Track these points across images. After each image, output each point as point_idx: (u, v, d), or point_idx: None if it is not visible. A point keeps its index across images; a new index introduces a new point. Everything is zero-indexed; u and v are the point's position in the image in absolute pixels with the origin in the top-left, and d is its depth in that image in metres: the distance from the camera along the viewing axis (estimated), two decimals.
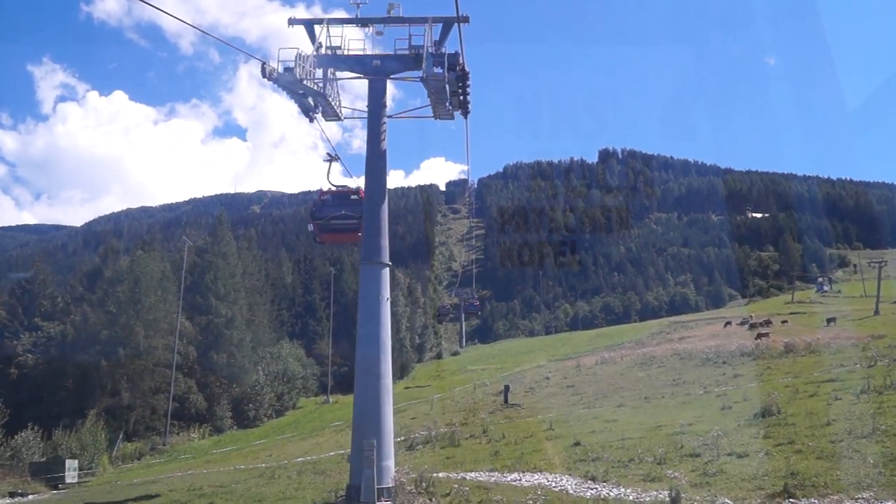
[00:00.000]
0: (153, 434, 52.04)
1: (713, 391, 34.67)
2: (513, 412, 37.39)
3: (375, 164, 18.45)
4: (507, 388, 40.63)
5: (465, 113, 20.28)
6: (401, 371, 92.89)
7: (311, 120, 20.16)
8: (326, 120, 20.68)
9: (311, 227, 20.55)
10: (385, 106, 18.90)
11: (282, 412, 64.73)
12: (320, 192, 20.85)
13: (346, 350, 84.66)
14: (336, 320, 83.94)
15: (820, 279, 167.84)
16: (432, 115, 20.71)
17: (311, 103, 19.43)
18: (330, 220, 19.97)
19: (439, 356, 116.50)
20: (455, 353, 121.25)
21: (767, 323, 75.66)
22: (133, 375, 52.07)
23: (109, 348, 51.78)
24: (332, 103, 19.71)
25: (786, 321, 77.55)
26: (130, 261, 58.88)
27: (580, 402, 37.87)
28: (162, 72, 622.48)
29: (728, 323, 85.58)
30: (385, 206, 18.50)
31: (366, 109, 19.19)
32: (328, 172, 20.72)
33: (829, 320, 71.13)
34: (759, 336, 61.05)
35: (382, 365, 17.53)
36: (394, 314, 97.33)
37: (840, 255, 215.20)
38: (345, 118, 20.90)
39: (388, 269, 18.22)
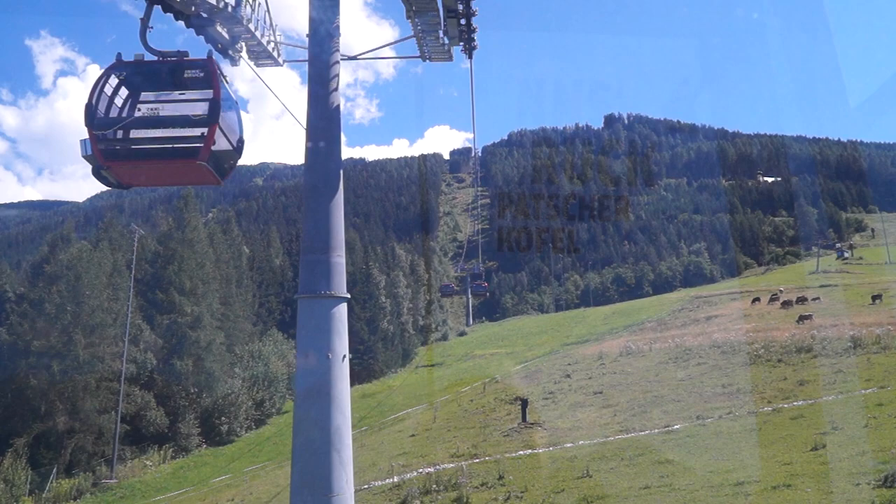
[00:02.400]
0: (100, 463, 44.05)
1: (783, 409, 27.75)
2: (533, 435, 30.45)
3: (322, 129, 11.03)
4: (524, 403, 33.64)
5: (469, 48, 13.03)
6: (402, 358, 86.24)
7: (234, 62, 13.02)
8: (258, 64, 13.51)
9: (86, 150, 9.71)
10: (337, 35, 11.55)
11: (263, 421, 57.10)
12: (112, 65, 10.06)
13: None
14: None
15: (839, 245, 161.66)
16: (419, 54, 13.57)
17: (226, 35, 12.22)
18: (124, 129, 9.74)
19: (444, 337, 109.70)
20: (461, 334, 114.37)
21: (802, 300, 68.65)
22: (72, 394, 43.93)
23: (42, 362, 43.68)
24: (261, 37, 12.51)
25: (817, 298, 70.36)
26: (72, 253, 49.70)
27: (614, 421, 30.90)
28: (161, 44, 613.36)
29: (756, 299, 78.30)
30: (340, 199, 11.14)
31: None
32: (144, 28, 10.18)
33: (874, 298, 64.01)
34: (802, 319, 54.24)
35: (336, 478, 10.06)
36: (395, 296, 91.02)
37: (857, 220, 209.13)
38: (286, 61, 13.73)
39: (345, 304, 11.03)
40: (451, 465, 26.49)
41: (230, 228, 71.21)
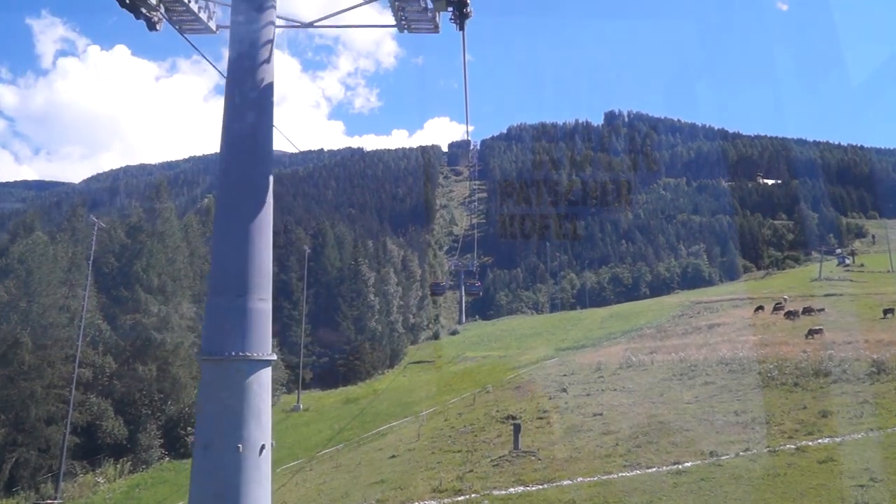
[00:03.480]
0: (46, 480, 39.31)
1: (808, 448, 24.63)
2: (526, 467, 27.24)
3: (244, 115, 7.79)
4: (517, 428, 30.30)
5: (461, 14, 9.78)
6: (391, 358, 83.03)
7: (151, 25, 9.89)
8: (184, 29, 10.25)
9: None
10: None
11: None
12: None
13: (326, 337, 74.72)
14: (316, 302, 73.87)
15: (839, 251, 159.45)
16: (394, 23, 10.30)
17: None
18: None
19: (436, 336, 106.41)
20: (453, 333, 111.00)
21: (808, 311, 65.64)
22: (16, 402, 39.24)
23: None
24: None
25: (822, 308, 67.14)
26: (26, 245, 44.68)
27: (617, 452, 27.70)
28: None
29: (760, 308, 75.24)
30: (267, 217, 7.87)
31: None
32: None
33: (886, 312, 60.82)
34: (811, 333, 51.02)
35: None
36: (384, 294, 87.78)
37: (857, 225, 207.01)
38: (221, 28, 10.46)
39: (269, 369, 7.75)
40: (433, 502, 23.36)
41: (210, 220, 66.53)
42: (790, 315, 65.85)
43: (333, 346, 72.56)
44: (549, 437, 31.70)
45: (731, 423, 29.75)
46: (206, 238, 60.45)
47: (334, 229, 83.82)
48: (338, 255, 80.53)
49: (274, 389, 60.13)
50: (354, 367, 73.11)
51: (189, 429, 45.83)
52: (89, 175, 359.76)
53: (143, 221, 51.23)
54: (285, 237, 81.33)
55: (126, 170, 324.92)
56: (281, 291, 73.34)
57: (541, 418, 35.48)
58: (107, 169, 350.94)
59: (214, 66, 10.49)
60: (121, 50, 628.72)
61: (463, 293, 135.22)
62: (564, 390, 43.04)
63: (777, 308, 72.41)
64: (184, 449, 46.18)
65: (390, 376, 76.79)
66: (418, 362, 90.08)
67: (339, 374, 71.55)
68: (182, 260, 51.73)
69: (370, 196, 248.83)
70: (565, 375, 49.48)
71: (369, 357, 75.15)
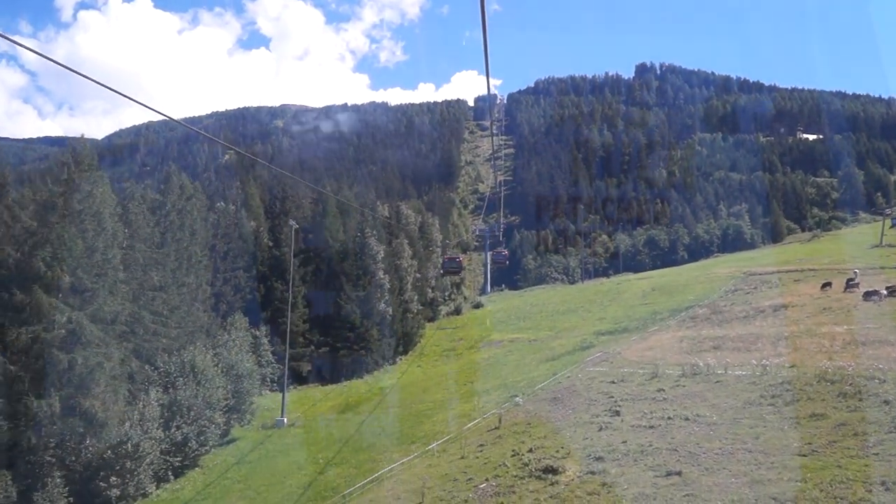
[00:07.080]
0: None
1: None
2: None
3: None
4: None
5: None
6: (404, 342, 73.16)
7: None
8: None
9: None
10: None
11: (189, 467, 40.00)
12: None
13: (325, 322, 65.12)
14: (316, 282, 64.00)
15: (888, 211, 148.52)
16: None
17: None
18: None
19: (458, 311, 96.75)
20: (477, 306, 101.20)
21: (894, 291, 55.01)
22: None
23: None
24: None
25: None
26: None
27: None
28: None
29: (828, 284, 64.15)
30: None
31: None
32: None
33: None
34: None
35: None
36: (397, 269, 77.71)
37: None
38: None
39: None
40: None
41: (170, 188, 54.17)
42: (870, 296, 55.25)
43: (335, 334, 62.82)
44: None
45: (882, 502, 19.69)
46: (159, 217, 48.39)
47: (338, 194, 73.35)
48: (337, 226, 69.93)
49: (258, 388, 50.62)
50: (360, 357, 63.20)
51: (114, 479, 34.55)
52: (112, 131, 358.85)
53: (60, 197, 38.96)
54: (280, 204, 71.03)
55: (148, 125, 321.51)
56: (273, 270, 63.39)
57: (593, 472, 25.47)
58: (129, 125, 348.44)
59: None
60: (142, 2, 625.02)
61: (488, 259, 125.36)
62: (617, 413, 33.04)
63: (851, 285, 61.60)
64: None
65: (402, 365, 67.46)
66: (442, 328, 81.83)
67: (342, 365, 61.89)
68: (114, 246, 40.09)
69: (393, 152, 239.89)
70: (613, 383, 39.48)
71: (377, 345, 64.98)
